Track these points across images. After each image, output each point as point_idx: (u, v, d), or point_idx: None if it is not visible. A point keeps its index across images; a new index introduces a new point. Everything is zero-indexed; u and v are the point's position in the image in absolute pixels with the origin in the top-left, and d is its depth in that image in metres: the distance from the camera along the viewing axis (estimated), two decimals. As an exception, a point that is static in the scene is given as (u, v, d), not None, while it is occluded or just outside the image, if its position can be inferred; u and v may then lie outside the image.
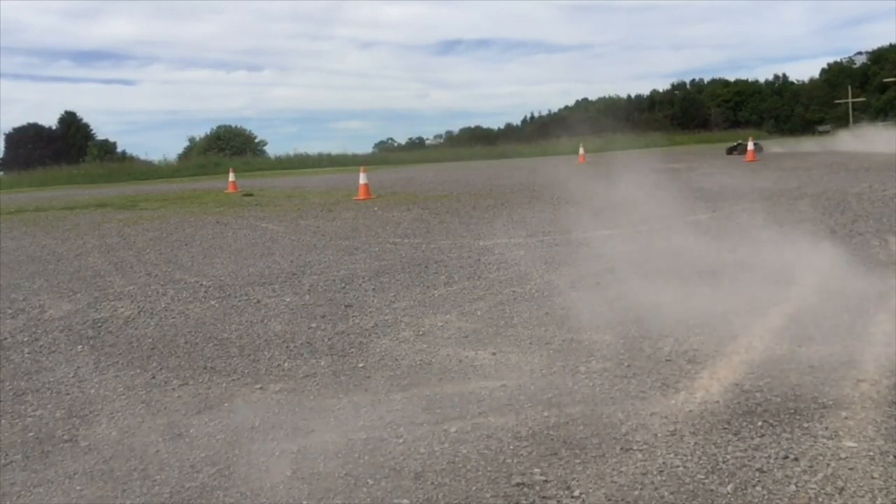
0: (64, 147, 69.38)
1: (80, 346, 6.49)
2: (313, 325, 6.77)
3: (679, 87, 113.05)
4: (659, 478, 3.48)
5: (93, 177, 47.70)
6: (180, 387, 5.27)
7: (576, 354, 5.47)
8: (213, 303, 7.89)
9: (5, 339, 6.85)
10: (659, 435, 3.97)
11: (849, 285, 7.02)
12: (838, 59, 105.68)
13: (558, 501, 3.32)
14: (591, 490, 3.40)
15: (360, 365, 5.53)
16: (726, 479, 3.43)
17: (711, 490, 3.34)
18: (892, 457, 3.55)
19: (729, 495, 3.28)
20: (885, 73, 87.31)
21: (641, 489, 3.38)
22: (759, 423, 4.03)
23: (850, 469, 3.47)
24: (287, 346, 6.12)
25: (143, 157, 65.88)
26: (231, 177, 28.08)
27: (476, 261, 9.52)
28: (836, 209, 12.32)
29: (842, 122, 78.58)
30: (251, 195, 23.60)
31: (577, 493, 3.38)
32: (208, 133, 76.55)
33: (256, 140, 78.65)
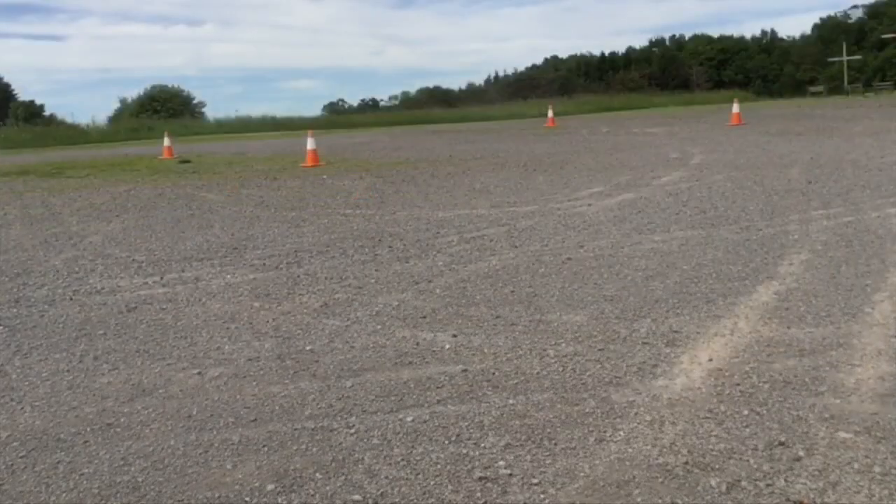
0: (-17, 109, 68.49)
1: (-3, 328, 6.43)
2: (256, 304, 6.75)
3: (658, 43, 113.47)
4: (636, 471, 3.50)
5: (15, 141, 47.11)
6: (110, 372, 5.23)
7: (544, 336, 5.48)
8: (147, 280, 7.84)
9: (-86, 320, 6.77)
10: (636, 424, 3.99)
11: (844, 261, 7.10)
12: (832, 14, 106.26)
13: (524, 498, 3.33)
14: (561, 485, 3.41)
15: (308, 348, 5.52)
16: (711, 472, 3.45)
17: (694, 484, 3.36)
18: (889, 447, 3.58)
19: (713, 489, 3.31)
20: (884, 28, 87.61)
21: (617, 485, 3.40)
22: (746, 412, 4.06)
23: (846, 462, 3.49)
24: (227, 327, 6.09)
25: (69, 119, 65.07)
26: (166, 141, 27.87)
27: (435, 234, 9.52)
28: (829, 178, 12.43)
29: (836, 82, 78.98)
30: (188, 162, 23.41)
31: (545, 488, 3.39)
32: (141, 94, 76.01)
33: (194, 101, 78.21)
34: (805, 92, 75.20)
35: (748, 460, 3.54)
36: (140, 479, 3.69)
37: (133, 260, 8.86)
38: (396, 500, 3.38)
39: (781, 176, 13.08)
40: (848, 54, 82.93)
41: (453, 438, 3.94)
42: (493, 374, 4.82)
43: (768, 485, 3.31)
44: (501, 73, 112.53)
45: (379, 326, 5.94)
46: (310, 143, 20.51)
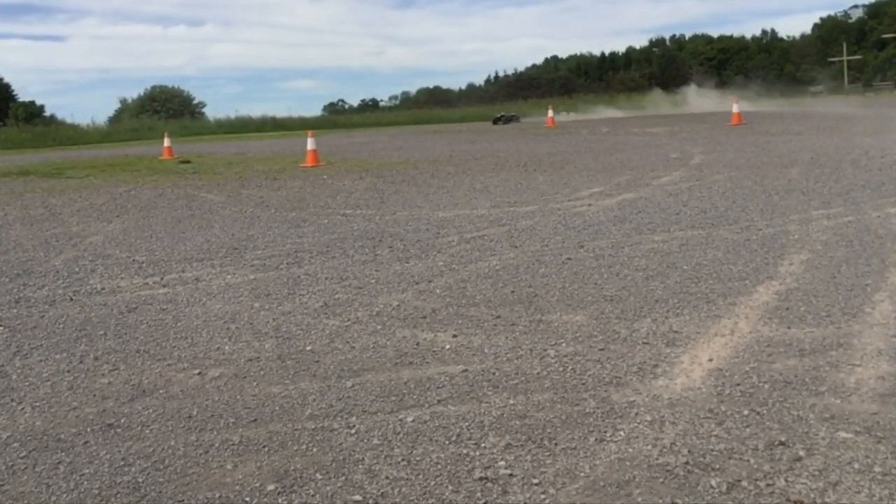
0: (-17, 109, 68.55)
1: (-2, 329, 6.42)
2: (256, 304, 6.74)
3: (658, 43, 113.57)
4: (636, 471, 3.49)
5: (15, 142, 47.27)
6: (111, 372, 5.23)
7: (544, 336, 5.48)
8: (147, 280, 7.83)
9: (-86, 321, 6.77)
10: (636, 424, 3.98)
11: (844, 261, 7.09)
12: (832, 14, 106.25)
13: (525, 498, 3.32)
14: (561, 485, 3.40)
15: (308, 348, 5.51)
16: (711, 472, 3.45)
17: (695, 484, 3.35)
18: (889, 447, 3.58)
19: (714, 489, 3.30)
20: (884, 28, 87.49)
21: (617, 485, 3.39)
22: (746, 412, 4.06)
23: (846, 462, 3.49)
24: (228, 328, 6.08)
25: (69, 119, 65.31)
26: (166, 142, 27.90)
27: (435, 234, 9.52)
28: (829, 178, 12.43)
29: (836, 82, 78.94)
30: (188, 162, 23.41)
31: (545, 488, 3.38)
32: (142, 94, 76.22)
33: (194, 101, 78.39)
34: (805, 92, 75.06)
35: (748, 460, 3.53)
36: (140, 480, 3.68)
37: (133, 260, 8.85)
38: (397, 500, 3.38)
39: (781, 176, 13.08)
40: (848, 54, 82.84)
41: (453, 439, 3.94)
42: (494, 374, 4.81)
43: (768, 485, 3.31)
44: (501, 73, 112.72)
45: (379, 326, 5.93)
46: (310, 144, 20.50)
